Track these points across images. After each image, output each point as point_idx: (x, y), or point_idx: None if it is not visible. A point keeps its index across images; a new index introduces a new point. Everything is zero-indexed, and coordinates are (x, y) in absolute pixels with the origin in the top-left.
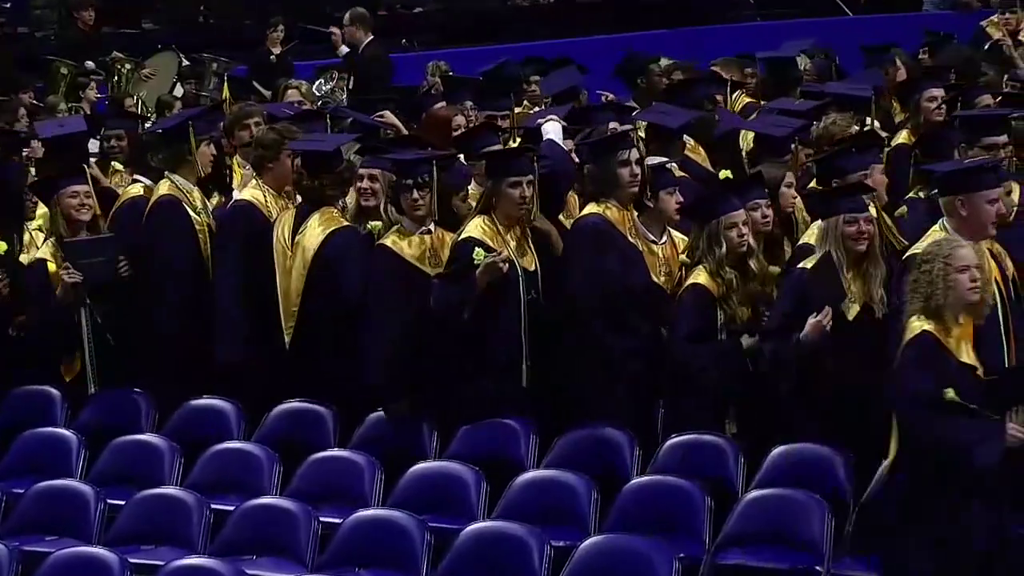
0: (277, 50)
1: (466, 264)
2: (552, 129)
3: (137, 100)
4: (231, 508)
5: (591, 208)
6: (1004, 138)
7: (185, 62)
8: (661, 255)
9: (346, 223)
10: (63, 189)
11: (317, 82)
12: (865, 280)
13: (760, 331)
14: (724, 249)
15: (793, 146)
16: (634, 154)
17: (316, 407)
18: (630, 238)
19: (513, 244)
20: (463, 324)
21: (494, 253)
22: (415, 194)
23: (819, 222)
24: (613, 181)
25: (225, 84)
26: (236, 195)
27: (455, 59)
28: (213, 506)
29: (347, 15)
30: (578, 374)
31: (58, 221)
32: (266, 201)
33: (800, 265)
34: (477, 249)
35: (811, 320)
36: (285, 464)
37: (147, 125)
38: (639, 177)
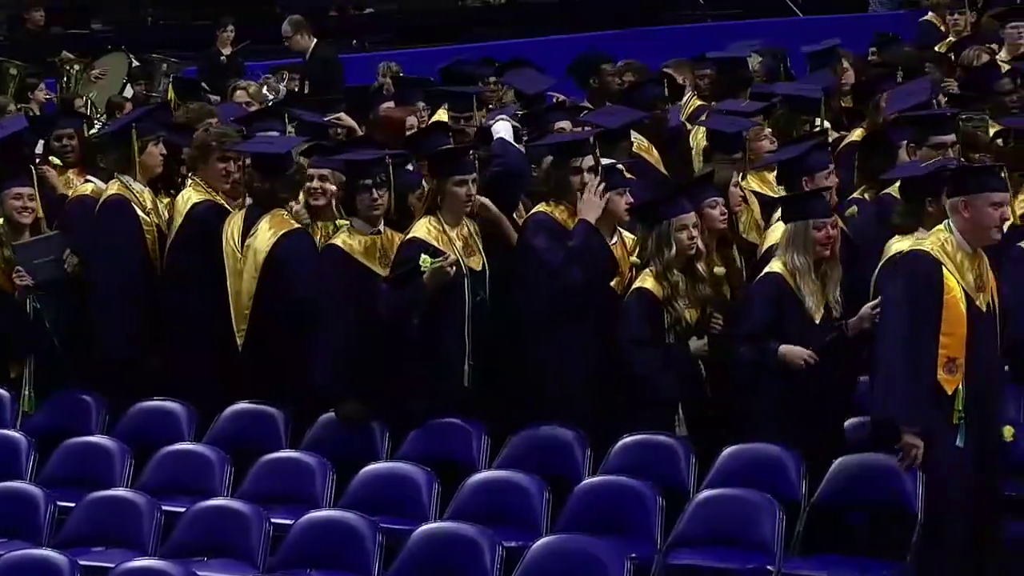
0: (227, 51)
1: (413, 268)
2: (503, 128)
3: (86, 101)
4: (182, 509)
5: (540, 207)
6: (952, 137)
7: (135, 63)
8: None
9: (297, 225)
10: (6, 190)
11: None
12: (824, 282)
13: (729, 335)
14: (673, 252)
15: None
16: (587, 161)
17: (267, 408)
18: None
19: (460, 244)
20: (411, 328)
21: (441, 257)
22: (375, 193)
23: (780, 224)
24: (565, 186)
25: (170, 86)
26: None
27: (407, 60)
28: (164, 508)
29: (285, 25)
30: (524, 374)
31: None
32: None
33: (768, 269)
34: (424, 256)
35: (798, 351)
36: (236, 465)
37: (96, 126)
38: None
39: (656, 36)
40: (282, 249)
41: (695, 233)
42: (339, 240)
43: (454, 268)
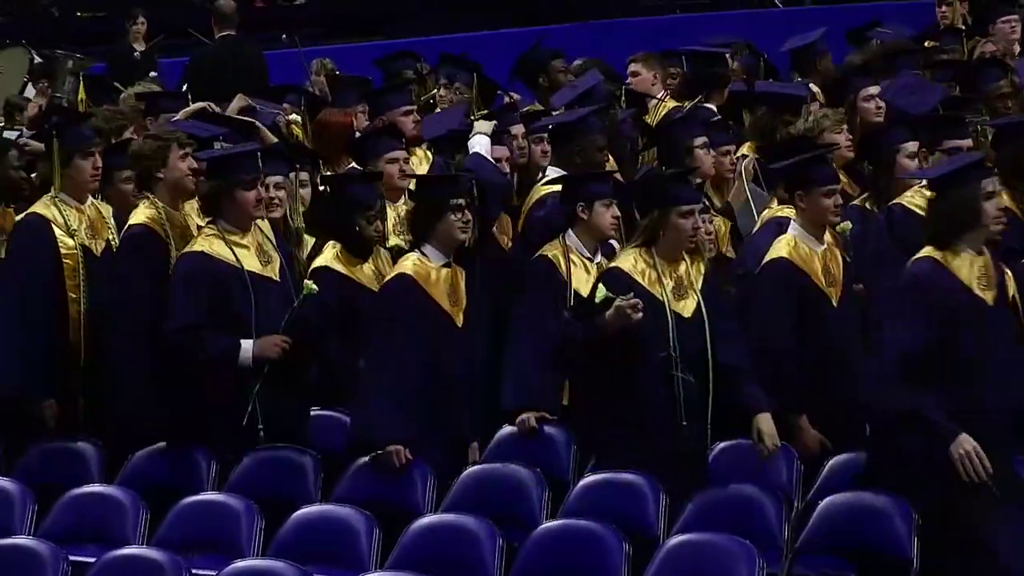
0: (140, 46)
1: (594, 303)
2: (480, 142)
3: None
4: (92, 560)
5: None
6: (968, 142)
7: (37, 59)
8: (596, 273)
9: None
10: None
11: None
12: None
13: None
14: None
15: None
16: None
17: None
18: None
19: (670, 285)
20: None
21: (624, 297)
22: (466, 215)
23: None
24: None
25: (80, 85)
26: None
27: (341, 56)
28: (71, 557)
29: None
30: None
31: None
32: (162, 220)
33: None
34: (600, 287)
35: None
36: (152, 510)
37: None
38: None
39: (612, 30)
40: None
41: None
42: (410, 269)
43: (640, 313)
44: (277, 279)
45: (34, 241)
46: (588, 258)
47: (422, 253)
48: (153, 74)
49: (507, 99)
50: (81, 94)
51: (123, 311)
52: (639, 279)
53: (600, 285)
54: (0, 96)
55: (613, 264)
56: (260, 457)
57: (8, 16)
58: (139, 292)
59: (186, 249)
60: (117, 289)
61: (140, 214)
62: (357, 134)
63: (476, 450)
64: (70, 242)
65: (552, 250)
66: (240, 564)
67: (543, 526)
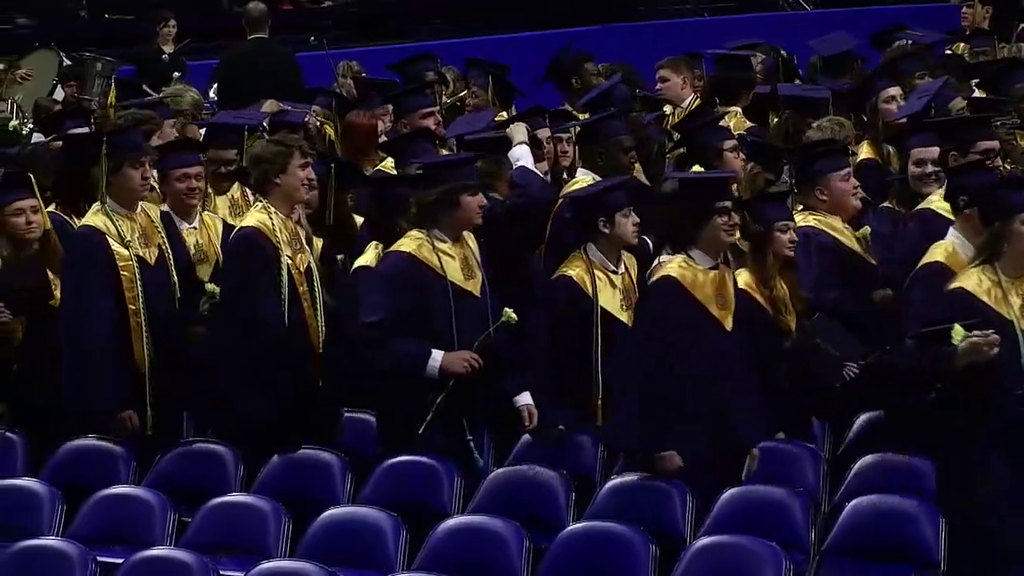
0: (169, 48)
1: (948, 339)
2: (522, 153)
3: (12, 104)
4: (119, 561)
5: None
6: (996, 143)
7: (66, 62)
8: (620, 286)
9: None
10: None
11: (215, 85)
12: None
13: None
14: None
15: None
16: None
17: (216, 447)
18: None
19: (1018, 303)
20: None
21: (983, 332)
22: (733, 217)
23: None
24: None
25: (112, 88)
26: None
27: (368, 58)
28: (100, 559)
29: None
30: None
31: None
32: (274, 226)
33: None
34: (956, 326)
35: None
36: (180, 511)
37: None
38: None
39: (638, 33)
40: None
41: None
42: (675, 272)
43: (996, 349)
44: (478, 295)
45: (92, 254)
46: (613, 271)
47: (688, 256)
48: (177, 74)
49: (566, 107)
50: (112, 97)
51: (228, 311)
52: (985, 299)
53: (957, 326)
54: (29, 98)
55: (956, 285)
56: (287, 458)
57: (37, 18)
58: (245, 292)
59: (393, 247)
60: (224, 289)
61: (252, 217)
62: (383, 138)
63: (756, 458)
64: (125, 252)
65: (575, 269)
66: (267, 565)
67: (569, 528)
